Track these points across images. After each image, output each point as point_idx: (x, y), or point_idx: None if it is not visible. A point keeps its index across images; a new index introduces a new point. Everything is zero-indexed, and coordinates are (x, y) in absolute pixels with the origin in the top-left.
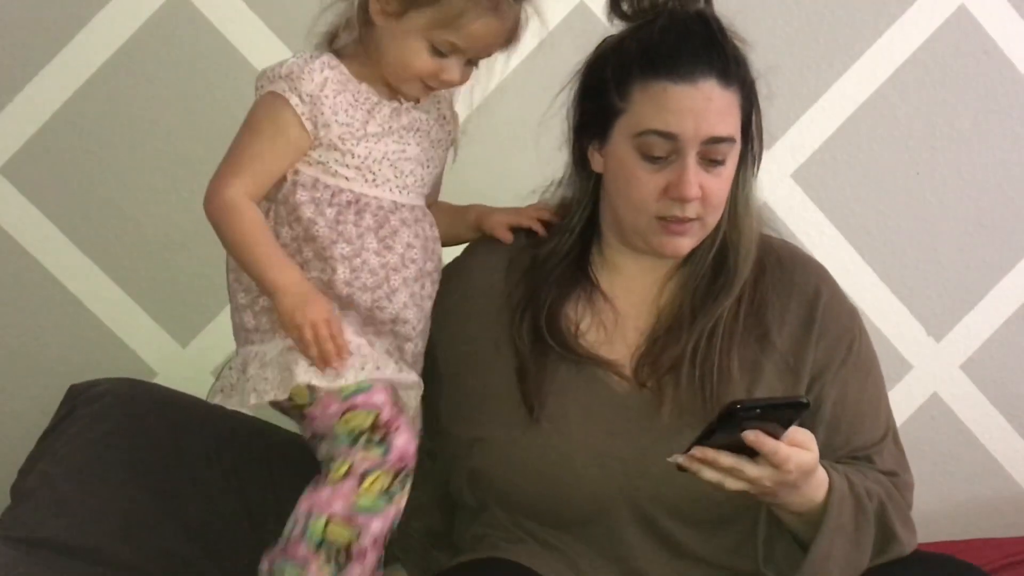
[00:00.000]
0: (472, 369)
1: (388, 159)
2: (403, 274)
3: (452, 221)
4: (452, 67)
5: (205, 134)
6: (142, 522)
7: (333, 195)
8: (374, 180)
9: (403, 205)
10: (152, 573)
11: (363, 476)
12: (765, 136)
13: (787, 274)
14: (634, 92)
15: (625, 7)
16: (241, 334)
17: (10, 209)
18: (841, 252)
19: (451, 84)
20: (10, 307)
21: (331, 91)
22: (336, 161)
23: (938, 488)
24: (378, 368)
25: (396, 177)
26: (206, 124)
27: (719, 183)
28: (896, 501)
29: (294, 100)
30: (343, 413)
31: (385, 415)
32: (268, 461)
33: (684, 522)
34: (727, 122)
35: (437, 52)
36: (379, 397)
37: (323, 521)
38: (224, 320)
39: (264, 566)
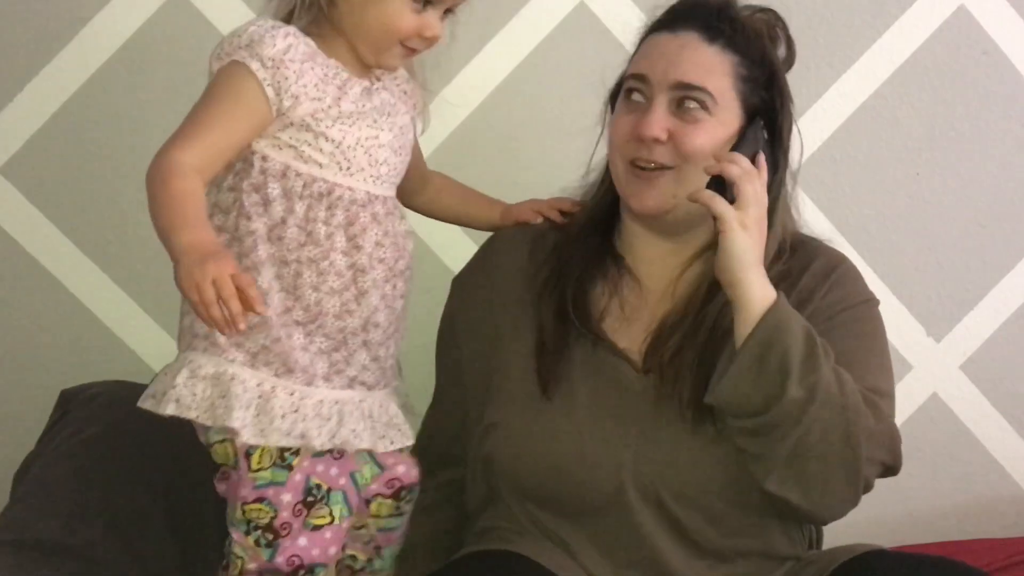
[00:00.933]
0: (493, 353)
1: (362, 145)
2: (372, 275)
3: (474, 204)
4: (434, 21)
5: None
6: (133, 522)
7: (305, 185)
8: (348, 168)
9: (376, 197)
10: (142, 573)
11: (260, 574)
12: None
13: (809, 258)
14: (636, 51)
15: None
16: (186, 337)
17: (10, 209)
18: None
19: (432, 41)
20: (10, 307)
21: (297, 58)
22: (309, 144)
23: (938, 488)
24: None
25: (370, 166)
26: None
27: (695, 131)
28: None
29: (255, 65)
30: (252, 500)
31: (281, 519)
32: None
33: (691, 507)
34: (701, 73)
35: (416, 7)
36: (286, 496)
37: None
38: None
39: None
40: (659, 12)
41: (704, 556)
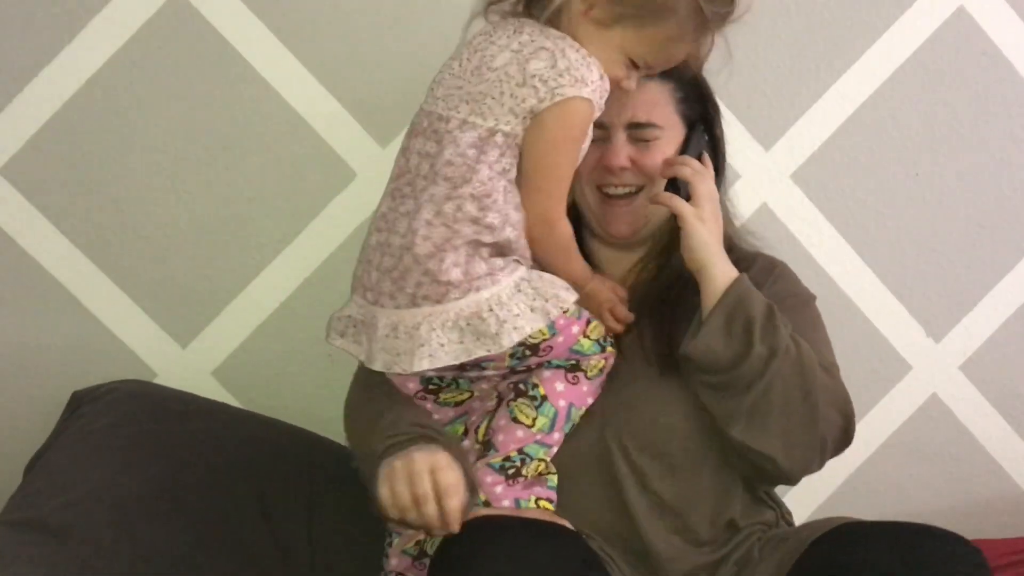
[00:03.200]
0: None
1: None
2: None
3: None
4: (633, 79)
5: (205, 135)
6: (137, 507)
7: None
8: None
9: None
10: (144, 556)
11: (601, 371)
12: (765, 137)
13: (751, 258)
14: None
15: None
16: (462, 285)
17: (10, 210)
18: (840, 253)
19: (625, 92)
20: (9, 308)
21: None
22: None
23: (937, 488)
24: None
25: None
26: (206, 125)
27: (651, 154)
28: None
29: (585, 92)
30: (584, 328)
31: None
32: (274, 455)
33: (654, 456)
34: (648, 109)
35: (631, 64)
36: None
37: (582, 411)
38: (224, 320)
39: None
40: None
41: (664, 513)
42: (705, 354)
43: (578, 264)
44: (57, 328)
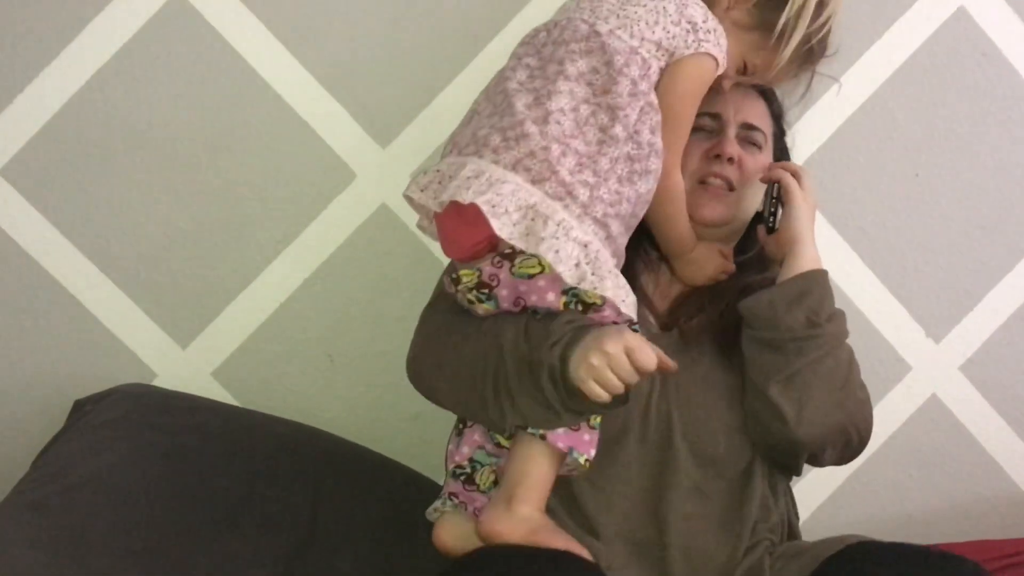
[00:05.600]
0: None
1: None
2: None
3: None
4: (731, 81)
5: (205, 135)
6: (137, 494)
7: None
8: None
9: None
10: (143, 540)
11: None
12: None
13: None
14: None
15: None
16: (560, 188)
17: (10, 210)
18: (840, 253)
19: (718, 89)
20: (9, 309)
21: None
22: None
23: (937, 489)
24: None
25: None
26: (206, 125)
27: (754, 160)
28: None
29: (720, 68)
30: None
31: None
32: (276, 449)
33: (693, 444)
34: (758, 116)
35: (742, 68)
36: None
37: (583, 458)
38: (224, 321)
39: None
40: None
41: (687, 498)
42: (767, 308)
43: (685, 225)
44: (57, 328)
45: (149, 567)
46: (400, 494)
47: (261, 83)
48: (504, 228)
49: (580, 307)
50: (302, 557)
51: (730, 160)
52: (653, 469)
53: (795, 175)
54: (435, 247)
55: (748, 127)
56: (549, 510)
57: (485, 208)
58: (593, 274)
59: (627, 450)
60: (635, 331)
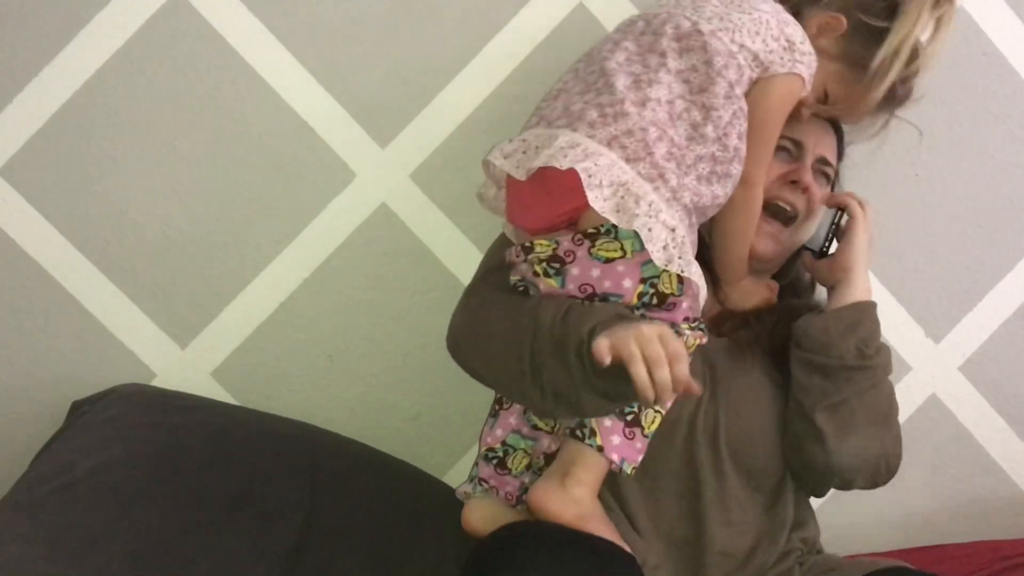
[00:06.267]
0: None
1: None
2: None
3: None
4: (810, 110)
5: (205, 135)
6: (134, 492)
7: None
8: None
9: None
10: (140, 537)
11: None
12: None
13: None
14: None
15: None
16: (653, 169)
17: (9, 210)
18: None
19: (796, 116)
20: (9, 309)
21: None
22: None
23: (936, 489)
24: None
25: None
26: (205, 125)
27: (820, 194)
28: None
29: (806, 90)
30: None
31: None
32: (274, 447)
33: (736, 452)
34: (832, 153)
35: (823, 97)
36: None
37: (631, 468)
38: (223, 321)
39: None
40: None
41: (726, 503)
42: (822, 333)
43: (747, 245)
44: (56, 328)
45: (147, 565)
46: (399, 490)
47: (261, 82)
48: (598, 200)
49: (655, 299)
50: (300, 554)
51: (804, 189)
52: (697, 470)
53: (860, 205)
54: (435, 246)
55: (823, 161)
56: (599, 497)
57: (584, 176)
58: (680, 258)
59: (674, 448)
60: (701, 330)
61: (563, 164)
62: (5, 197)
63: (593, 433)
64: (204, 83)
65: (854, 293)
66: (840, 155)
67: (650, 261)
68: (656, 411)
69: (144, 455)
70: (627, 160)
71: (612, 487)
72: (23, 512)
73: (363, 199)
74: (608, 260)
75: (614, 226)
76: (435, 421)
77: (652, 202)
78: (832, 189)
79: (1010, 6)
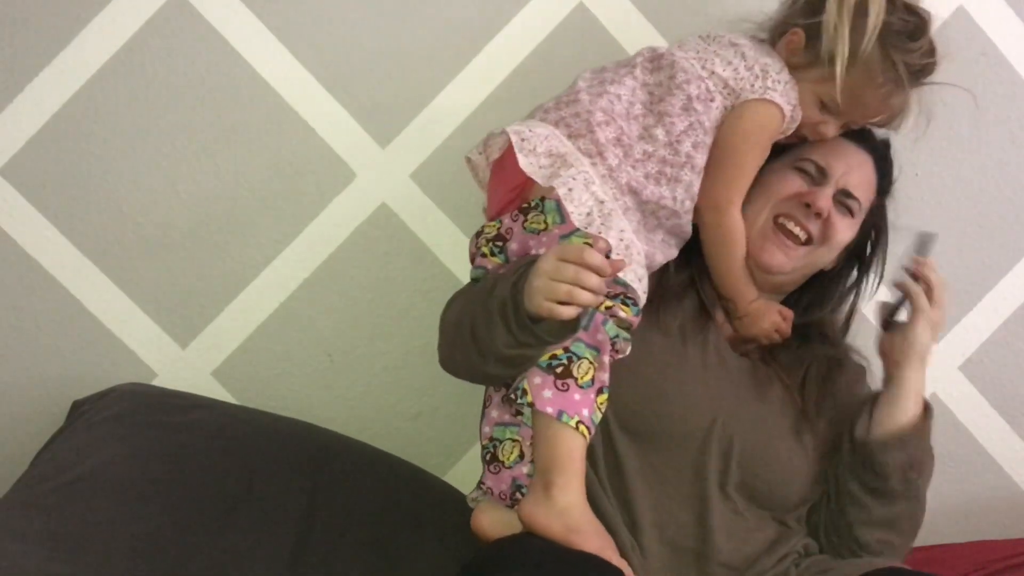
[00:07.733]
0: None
1: None
2: None
3: None
4: (831, 125)
5: (204, 135)
6: (134, 491)
7: None
8: None
9: None
10: (139, 536)
11: (592, 381)
12: None
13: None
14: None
15: None
16: (614, 160)
17: (10, 210)
18: None
19: (823, 137)
20: (9, 309)
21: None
22: None
23: (936, 489)
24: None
25: None
26: (205, 125)
27: (843, 224)
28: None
29: (787, 119)
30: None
31: None
32: (275, 446)
33: (749, 471)
34: (863, 188)
35: (825, 108)
36: None
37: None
38: (224, 321)
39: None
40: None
41: (732, 519)
42: (883, 466)
43: (738, 268)
44: (56, 328)
45: (147, 564)
46: (399, 489)
47: (261, 83)
48: (529, 165)
49: None
50: (301, 553)
51: (818, 214)
52: (706, 482)
53: (931, 287)
54: (435, 246)
55: (847, 194)
56: (603, 512)
57: (515, 140)
58: (602, 224)
59: (685, 456)
60: (632, 306)
61: (500, 131)
62: (5, 197)
63: (524, 392)
64: (204, 83)
65: (903, 403)
66: (881, 193)
67: (568, 234)
68: (589, 361)
69: (145, 455)
70: (569, 136)
71: (619, 490)
72: (23, 511)
73: (363, 199)
74: (538, 232)
75: (542, 199)
76: (435, 421)
77: (585, 172)
78: (876, 226)
79: (1010, 6)
